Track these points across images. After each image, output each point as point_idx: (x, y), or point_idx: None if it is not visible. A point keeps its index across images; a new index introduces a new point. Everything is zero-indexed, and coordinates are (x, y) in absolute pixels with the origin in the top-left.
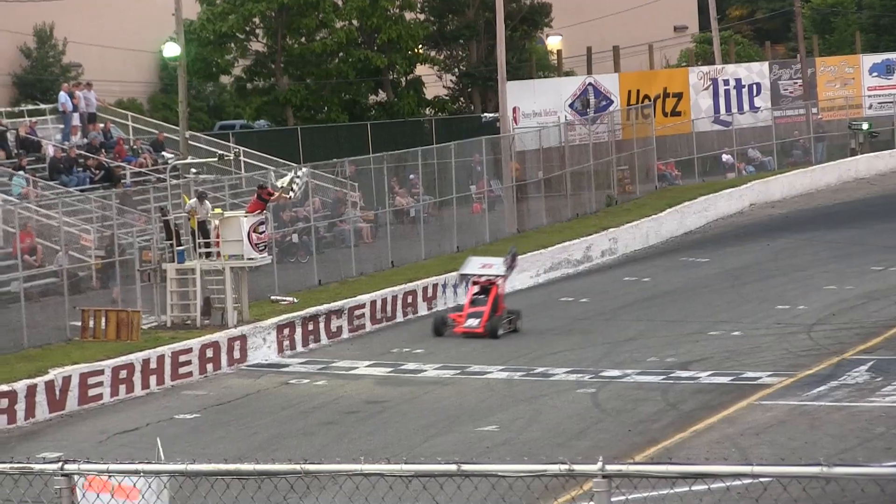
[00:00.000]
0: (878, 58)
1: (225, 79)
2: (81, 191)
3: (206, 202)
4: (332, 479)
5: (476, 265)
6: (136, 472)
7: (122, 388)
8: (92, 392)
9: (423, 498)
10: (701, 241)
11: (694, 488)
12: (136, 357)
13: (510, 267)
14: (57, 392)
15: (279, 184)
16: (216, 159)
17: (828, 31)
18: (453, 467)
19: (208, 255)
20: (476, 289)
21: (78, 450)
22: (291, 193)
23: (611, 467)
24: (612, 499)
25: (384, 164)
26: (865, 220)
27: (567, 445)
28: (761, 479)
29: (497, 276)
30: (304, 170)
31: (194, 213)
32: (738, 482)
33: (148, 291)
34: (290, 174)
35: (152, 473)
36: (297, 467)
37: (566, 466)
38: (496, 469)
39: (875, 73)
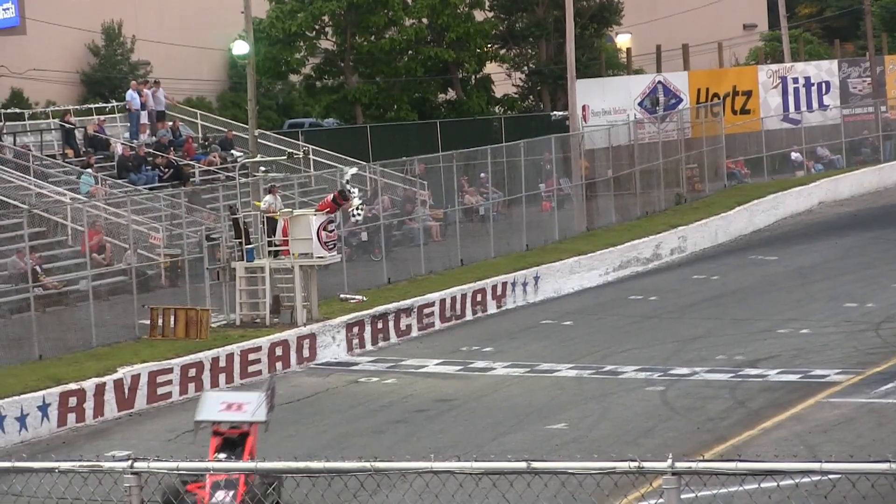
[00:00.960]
0: None
1: (294, 77)
2: (150, 189)
3: (277, 196)
4: (401, 477)
5: (216, 407)
6: (206, 470)
7: (191, 386)
8: (161, 390)
9: (492, 495)
10: (769, 239)
11: (763, 485)
12: (204, 355)
13: (270, 408)
14: (126, 390)
15: (346, 177)
16: (285, 157)
17: None
18: (523, 465)
19: (277, 253)
20: (219, 442)
21: (147, 448)
22: (355, 217)
23: (680, 464)
24: (682, 496)
25: (453, 162)
26: None
27: (636, 443)
28: (830, 476)
29: (253, 422)
30: (359, 201)
31: (271, 209)
32: (806, 479)
33: (217, 290)
34: (353, 170)
35: (223, 471)
36: (367, 465)
37: (636, 464)
38: (566, 466)
39: None
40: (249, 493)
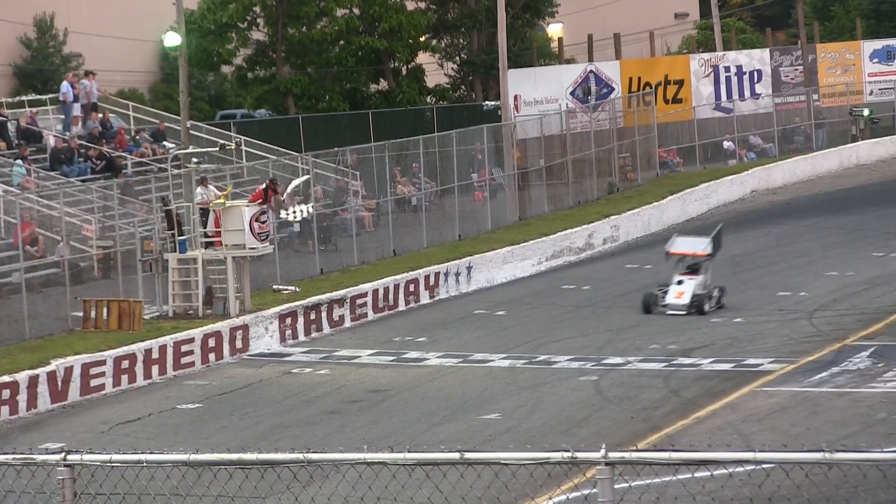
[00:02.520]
0: (879, 44)
1: (226, 68)
2: (83, 181)
3: (210, 187)
4: (335, 469)
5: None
6: (139, 463)
7: (125, 378)
8: (94, 382)
9: (426, 486)
10: (702, 228)
11: (697, 475)
12: (138, 347)
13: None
14: (59, 383)
15: (290, 189)
16: (217, 149)
17: (828, 18)
18: (456, 455)
19: (209, 244)
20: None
21: (80, 440)
22: (292, 216)
23: (614, 454)
24: (616, 486)
25: (386, 152)
26: (866, 205)
27: (569, 433)
28: (764, 466)
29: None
30: (309, 207)
31: (222, 197)
32: (740, 468)
33: (150, 281)
34: (300, 181)
35: (156, 464)
36: (300, 456)
37: (569, 454)
38: (499, 457)
39: (875, 60)
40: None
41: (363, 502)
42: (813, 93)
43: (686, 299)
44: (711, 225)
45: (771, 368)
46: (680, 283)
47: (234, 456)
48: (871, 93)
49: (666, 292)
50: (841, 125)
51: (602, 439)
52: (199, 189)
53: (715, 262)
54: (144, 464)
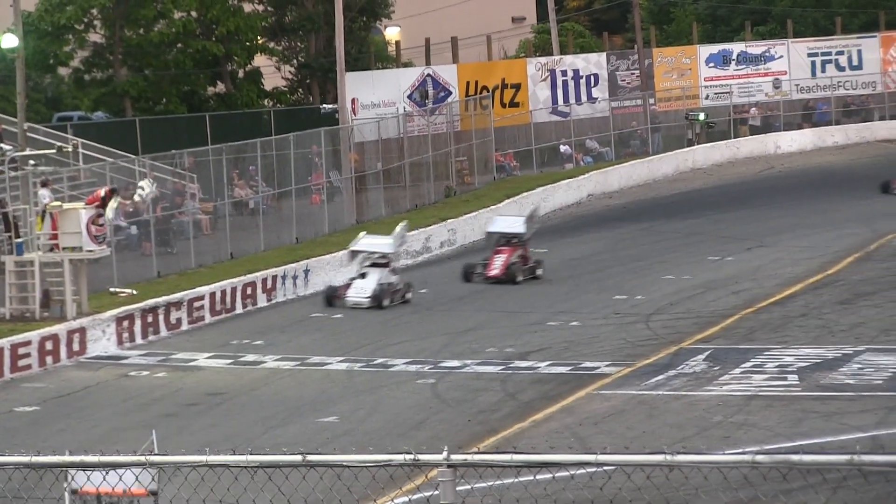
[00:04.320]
0: (715, 48)
1: (63, 70)
2: None
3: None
4: (176, 471)
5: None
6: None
7: None
8: None
9: (268, 489)
10: (539, 231)
11: (538, 477)
12: None
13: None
14: None
15: (136, 198)
16: (54, 151)
17: (666, 22)
18: (298, 458)
19: (50, 248)
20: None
21: None
22: (139, 197)
23: (456, 457)
24: (458, 488)
25: (223, 155)
26: (702, 210)
27: (407, 436)
28: (605, 468)
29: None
30: (151, 189)
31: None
32: (582, 471)
33: None
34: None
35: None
36: (142, 458)
37: (411, 456)
38: (341, 459)
39: (711, 64)
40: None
41: None
42: (649, 97)
43: (368, 292)
44: (543, 230)
45: (607, 372)
46: (363, 276)
47: (76, 458)
48: (706, 97)
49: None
50: (677, 129)
51: (440, 442)
52: (42, 191)
53: (550, 265)
54: None
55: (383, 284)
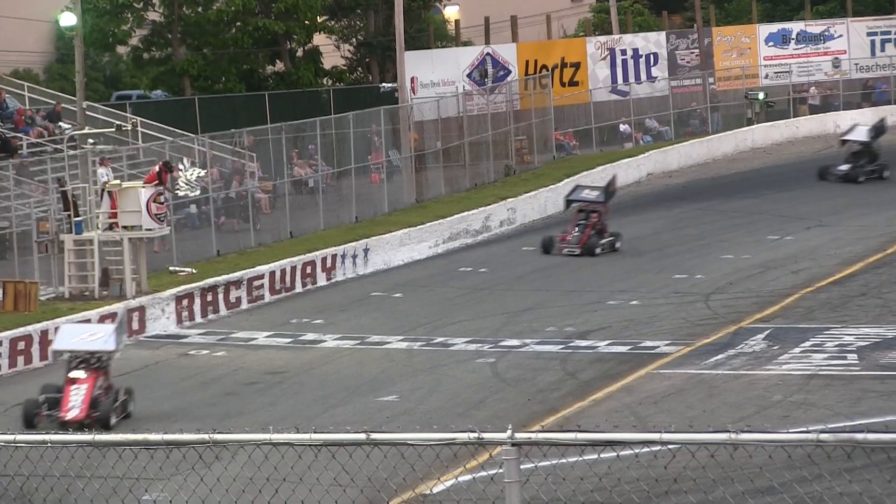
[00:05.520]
0: (774, 27)
1: (121, 49)
2: None
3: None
4: (240, 449)
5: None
6: (43, 443)
7: (21, 359)
8: None
9: (331, 467)
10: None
11: (602, 456)
12: (34, 328)
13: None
14: None
15: (189, 175)
16: (113, 130)
17: (725, 1)
18: (362, 436)
19: (110, 226)
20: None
21: None
22: (185, 184)
23: (520, 435)
24: (521, 466)
25: (282, 134)
26: (761, 189)
27: (467, 415)
28: (669, 447)
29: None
30: (198, 170)
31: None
32: (646, 450)
33: (46, 263)
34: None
35: (60, 444)
36: (206, 437)
37: (475, 435)
38: (405, 437)
39: (771, 43)
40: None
41: (269, 483)
42: (709, 76)
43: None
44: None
45: (667, 351)
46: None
47: (139, 436)
48: (766, 76)
49: None
50: (736, 108)
51: (500, 421)
52: (101, 170)
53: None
54: (49, 444)
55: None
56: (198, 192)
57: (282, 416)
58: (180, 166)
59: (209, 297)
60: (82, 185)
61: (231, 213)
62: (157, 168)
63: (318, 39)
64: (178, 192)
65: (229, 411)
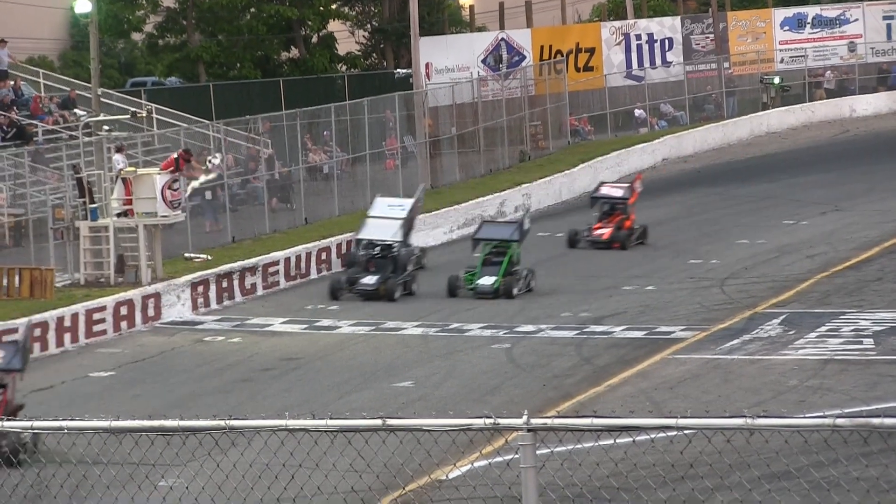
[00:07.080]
0: (790, 12)
1: (136, 35)
2: None
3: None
4: (256, 435)
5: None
6: (60, 430)
7: (37, 346)
8: None
9: (347, 453)
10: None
11: (618, 441)
12: (49, 315)
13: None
14: None
15: (210, 162)
16: (128, 116)
17: None
18: (378, 422)
19: (124, 212)
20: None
21: None
22: (205, 174)
23: (536, 421)
24: (538, 451)
25: (297, 120)
26: (777, 174)
27: (483, 401)
28: (685, 432)
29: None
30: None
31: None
32: (661, 435)
33: (61, 249)
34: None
35: (77, 430)
36: (222, 423)
37: (491, 420)
38: (421, 423)
39: (786, 27)
40: None
41: (285, 468)
42: (724, 61)
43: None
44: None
45: (682, 336)
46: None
47: (156, 423)
48: (781, 60)
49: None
50: (752, 93)
51: (515, 407)
52: (117, 156)
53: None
54: (66, 430)
55: None
56: (215, 169)
57: (297, 403)
58: (206, 163)
59: (224, 284)
60: (97, 171)
61: (273, 195)
62: (174, 155)
63: (333, 25)
64: (198, 182)
65: (244, 398)
